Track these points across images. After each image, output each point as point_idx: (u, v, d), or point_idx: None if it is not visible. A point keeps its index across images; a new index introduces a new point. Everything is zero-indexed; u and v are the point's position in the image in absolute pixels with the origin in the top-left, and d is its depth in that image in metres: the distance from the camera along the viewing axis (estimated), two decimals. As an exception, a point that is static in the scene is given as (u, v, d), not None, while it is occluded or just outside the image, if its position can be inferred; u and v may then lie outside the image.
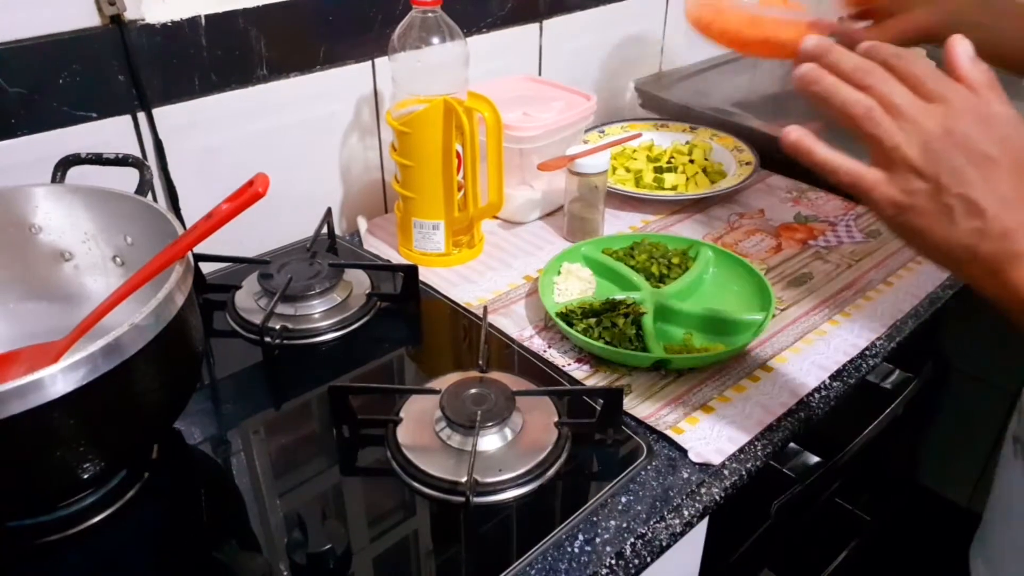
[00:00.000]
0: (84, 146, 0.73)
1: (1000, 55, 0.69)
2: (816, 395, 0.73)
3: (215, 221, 0.56)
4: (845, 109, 0.46)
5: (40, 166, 0.73)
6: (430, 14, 0.81)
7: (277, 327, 0.77)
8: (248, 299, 0.82)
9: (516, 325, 0.82)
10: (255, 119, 0.90)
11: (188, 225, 0.58)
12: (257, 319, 0.77)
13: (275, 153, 0.93)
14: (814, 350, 0.78)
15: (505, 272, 0.91)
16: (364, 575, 0.56)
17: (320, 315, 0.81)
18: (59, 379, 0.47)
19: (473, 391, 0.66)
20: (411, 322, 0.84)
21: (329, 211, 0.93)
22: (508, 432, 0.65)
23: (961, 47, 0.46)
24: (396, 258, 0.93)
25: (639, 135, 1.11)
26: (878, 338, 0.80)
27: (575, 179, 0.92)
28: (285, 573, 0.55)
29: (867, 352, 0.79)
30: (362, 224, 0.99)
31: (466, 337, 0.81)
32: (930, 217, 0.44)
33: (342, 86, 0.96)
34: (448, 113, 0.82)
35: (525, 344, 0.79)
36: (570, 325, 0.77)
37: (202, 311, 0.82)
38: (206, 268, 0.87)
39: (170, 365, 0.56)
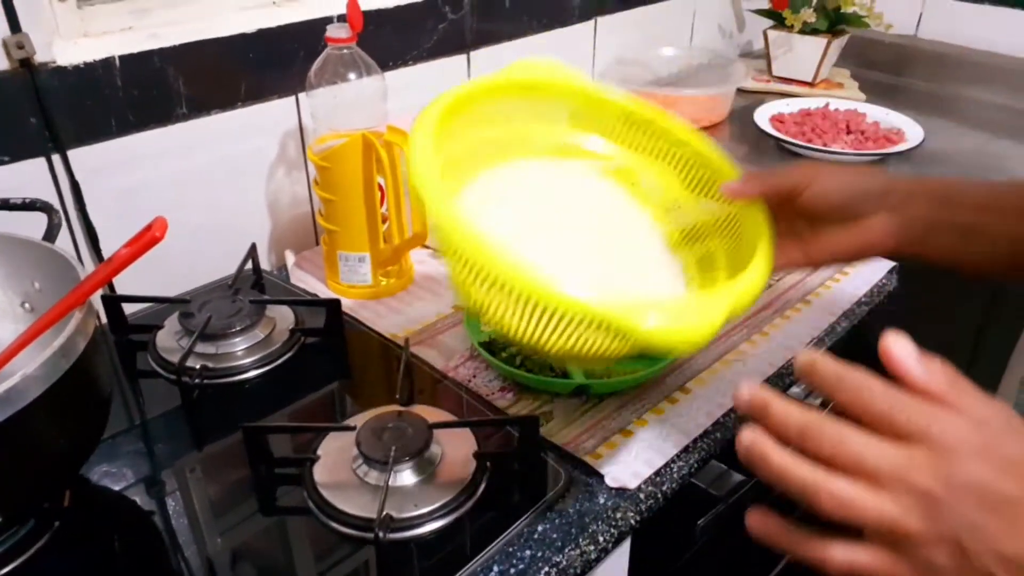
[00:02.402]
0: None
1: (978, 263, 0.61)
2: (732, 414, 0.75)
3: (113, 267, 0.56)
4: (808, 499, 0.37)
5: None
6: (345, 50, 0.82)
7: (197, 366, 0.76)
8: (170, 339, 0.81)
9: (442, 356, 0.82)
10: (176, 157, 0.89)
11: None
12: (173, 358, 0.76)
13: (199, 190, 0.93)
14: (731, 370, 0.80)
15: (434, 302, 0.91)
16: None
17: (242, 352, 0.80)
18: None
19: (390, 425, 0.66)
20: (336, 357, 0.84)
21: (253, 247, 0.92)
22: (426, 465, 0.65)
23: (899, 348, 0.38)
24: (324, 291, 0.93)
25: None
26: (795, 355, 0.82)
27: (500, 208, 0.93)
28: (192, 620, 0.54)
29: (784, 370, 0.81)
30: (289, 258, 0.99)
31: (388, 371, 0.82)
32: None
33: (266, 121, 0.96)
34: (367, 147, 0.83)
35: (450, 375, 0.79)
36: (492, 354, 0.77)
37: (124, 352, 0.83)
38: (129, 309, 0.86)
39: (73, 411, 0.55)
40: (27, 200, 0.68)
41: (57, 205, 0.77)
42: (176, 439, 0.72)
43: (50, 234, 0.68)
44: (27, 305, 0.67)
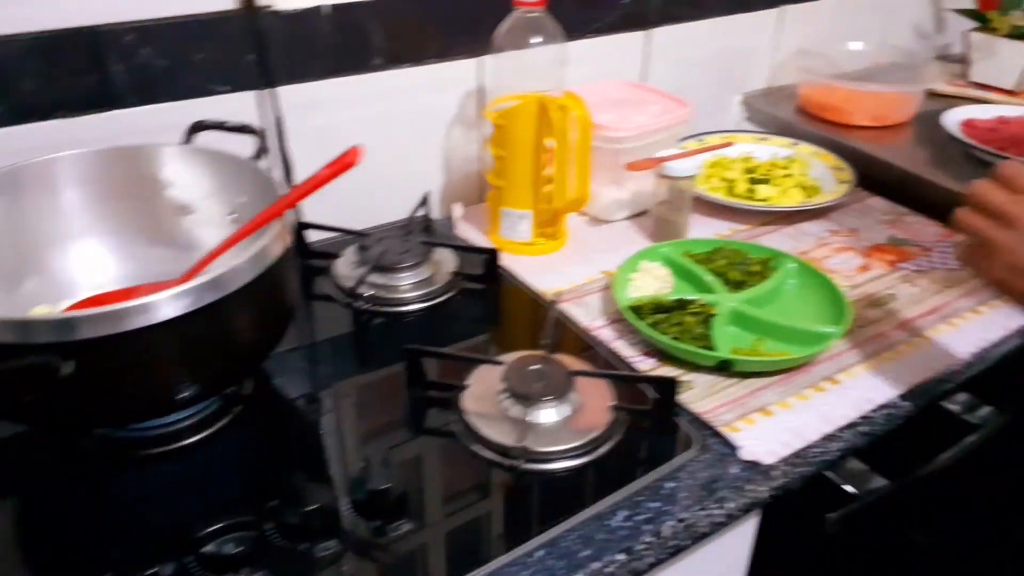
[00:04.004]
0: (214, 116, 0.82)
1: None
2: (881, 412, 0.73)
3: (312, 184, 0.62)
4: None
5: (174, 131, 0.82)
6: (533, 14, 0.86)
7: (368, 294, 0.83)
8: (346, 268, 0.89)
9: (588, 315, 0.84)
10: (367, 105, 0.97)
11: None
12: (351, 285, 0.83)
13: (384, 137, 1.00)
14: (886, 368, 0.77)
15: (585, 266, 0.94)
16: (415, 516, 0.60)
17: (408, 287, 0.86)
18: (168, 304, 0.54)
19: (535, 367, 0.70)
20: (489, 302, 0.88)
21: (427, 195, 0.99)
22: (565, 408, 0.68)
23: None
24: (485, 244, 0.98)
25: (729, 144, 1.12)
26: (958, 365, 0.79)
27: (663, 182, 0.94)
28: (347, 505, 0.60)
29: (943, 377, 0.77)
30: (456, 210, 1.05)
31: (537, 321, 0.85)
32: None
33: (450, 80, 1.02)
34: (541, 109, 0.87)
35: (593, 333, 0.82)
36: (640, 319, 0.79)
37: (305, 275, 0.91)
38: (313, 236, 0.94)
39: (264, 308, 0.63)
40: (240, 124, 0.76)
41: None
42: (344, 357, 0.79)
43: (256, 156, 0.76)
44: (233, 216, 0.76)
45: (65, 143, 0.78)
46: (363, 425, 0.70)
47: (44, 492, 0.64)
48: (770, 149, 1.17)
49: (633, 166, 0.93)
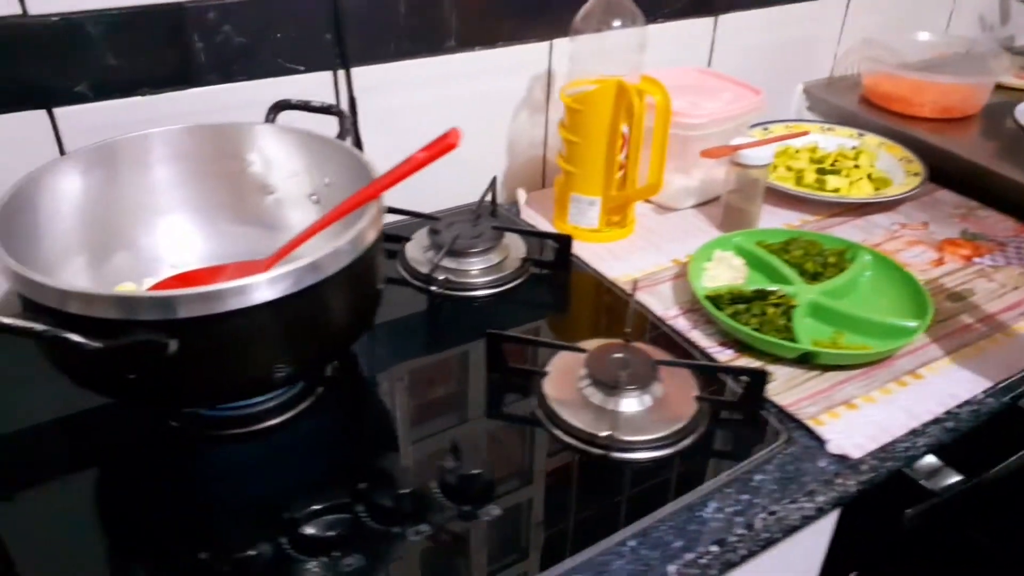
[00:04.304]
0: (291, 95, 0.81)
1: None
2: (966, 408, 0.71)
3: (410, 167, 0.62)
4: None
5: (250, 109, 0.82)
6: (623, -3, 0.85)
7: (441, 278, 0.83)
8: (417, 251, 0.88)
9: (661, 304, 0.84)
10: (438, 87, 0.96)
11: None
12: (424, 269, 0.83)
13: (452, 120, 0.97)
14: (969, 364, 0.76)
15: (654, 254, 0.93)
16: (503, 501, 0.60)
17: (478, 272, 0.86)
18: (267, 286, 0.54)
19: (618, 355, 0.69)
20: (559, 289, 0.88)
21: (495, 180, 0.98)
22: (648, 398, 0.67)
23: None
24: (550, 230, 0.98)
25: (805, 133, 1.10)
26: (1041, 363, 0.77)
27: (736, 170, 0.93)
28: (436, 489, 0.60)
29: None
30: (521, 196, 1.04)
31: (610, 309, 0.85)
32: None
33: (520, 63, 1.01)
34: (620, 94, 0.86)
35: (669, 323, 0.81)
36: (719, 310, 0.78)
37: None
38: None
39: (356, 291, 0.62)
40: (325, 104, 0.76)
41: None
42: (419, 339, 0.79)
43: (340, 137, 0.76)
44: (315, 197, 0.76)
45: (144, 121, 0.79)
46: (442, 408, 0.70)
47: (133, 469, 0.64)
48: (836, 139, 1.16)
49: (708, 153, 0.92)
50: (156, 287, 0.69)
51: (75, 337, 0.48)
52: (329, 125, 0.76)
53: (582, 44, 0.87)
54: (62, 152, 0.78)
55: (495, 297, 0.85)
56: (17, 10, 0.72)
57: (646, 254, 0.93)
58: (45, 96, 0.76)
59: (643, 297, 0.85)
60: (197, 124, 0.74)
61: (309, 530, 0.56)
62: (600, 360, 0.69)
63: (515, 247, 0.90)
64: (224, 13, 0.80)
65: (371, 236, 0.62)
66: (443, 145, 0.60)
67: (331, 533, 0.56)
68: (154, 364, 0.52)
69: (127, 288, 0.71)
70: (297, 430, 0.67)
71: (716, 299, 0.80)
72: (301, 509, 0.57)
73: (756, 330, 0.75)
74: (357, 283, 0.62)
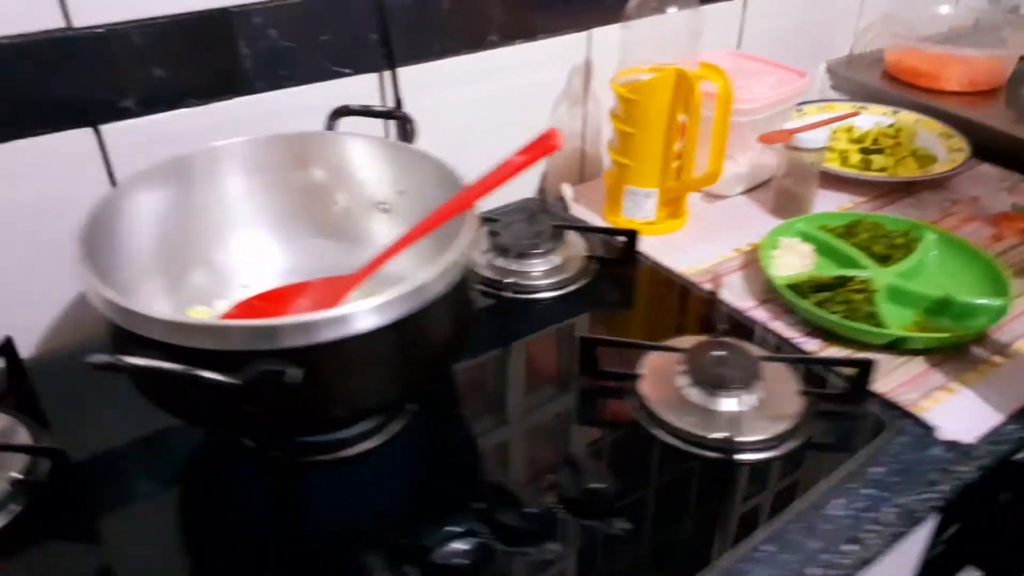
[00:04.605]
0: (337, 99, 0.78)
1: None
2: (1064, 385, 0.71)
3: (507, 172, 0.59)
4: None
5: (300, 116, 0.79)
6: (673, -18, 0.82)
7: (507, 281, 0.80)
8: (477, 253, 0.85)
9: (735, 296, 0.82)
10: (480, 83, 0.93)
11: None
12: (486, 272, 0.80)
13: (493, 116, 0.96)
14: (1058, 340, 0.76)
15: (712, 244, 0.91)
16: (632, 515, 0.58)
17: (541, 273, 0.83)
18: (391, 307, 0.50)
19: (718, 353, 0.68)
20: (628, 286, 0.86)
21: (544, 175, 0.95)
22: (754, 396, 0.66)
23: None
24: (602, 224, 0.95)
25: (856, 114, 1.09)
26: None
27: (790, 154, 0.92)
28: (554, 504, 0.58)
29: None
30: (567, 191, 1.01)
31: (686, 305, 0.83)
32: None
33: (559, 55, 0.99)
34: (680, 82, 0.83)
35: (748, 315, 0.79)
36: (802, 299, 0.77)
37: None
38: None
39: (462, 307, 0.59)
40: (388, 109, 0.73)
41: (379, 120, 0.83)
42: (493, 346, 0.76)
43: (404, 142, 0.73)
44: (385, 206, 0.73)
45: (190, 133, 0.75)
46: (537, 418, 0.68)
47: (237, 498, 0.61)
48: (871, 118, 1.15)
49: (766, 138, 0.90)
50: (239, 308, 0.65)
51: (210, 375, 0.45)
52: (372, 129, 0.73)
53: (635, 31, 0.85)
54: (110, 172, 0.74)
55: (561, 299, 0.82)
56: (61, 23, 0.67)
57: (705, 245, 0.91)
58: (91, 113, 0.71)
59: (717, 290, 0.83)
60: (268, 135, 0.71)
61: (438, 558, 0.53)
62: (700, 359, 0.67)
63: (574, 245, 0.88)
64: (270, 17, 0.76)
65: (471, 251, 0.59)
66: (544, 147, 0.58)
67: (462, 561, 0.53)
68: (275, 395, 0.49)
69: (199, 313, 0.67)
70: (395, 451, 0.64)
71: (795, 288, 0.78)
72: (423, 535, 0.54)
73: (845, 318, 0.74)
74: (462, 298, 0.59)
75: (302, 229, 0.73)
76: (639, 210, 0.92)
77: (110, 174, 0.74)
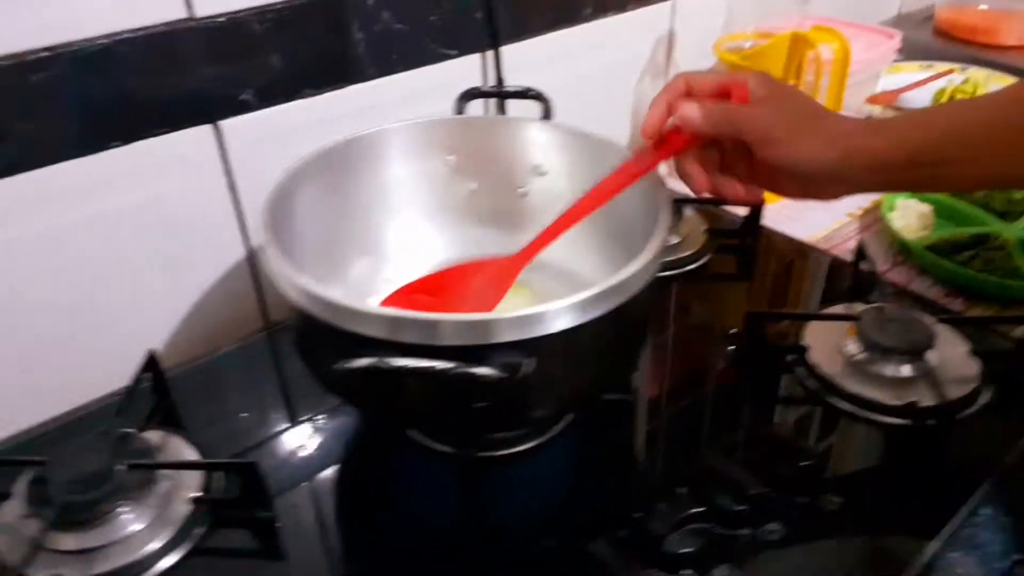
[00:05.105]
0: (441, 82, 0.75)
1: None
2: None
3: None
4: None
5: (413, 102, 0.76)
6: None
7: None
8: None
9: (866, 261, 0.81)
10: (575, 59, 0.90)
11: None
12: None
13: (586, 90, 0.93)
14: None
15: (823, 210, 0.90)
16: (842, 489, 0.56)
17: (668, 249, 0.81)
18: (611, 295, 0.48)
19: (891, 319, 0.66)
20: (755, 258, 0.84)
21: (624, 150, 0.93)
22: (930, 360, 0.64)
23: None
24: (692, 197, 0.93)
25: (951, 71, 1.08)
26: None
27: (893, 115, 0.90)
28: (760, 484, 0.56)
29: None
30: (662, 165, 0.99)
31: (823, 272, 0.81)
32: None
33: (644, 25, 0.96)
34: (796, 47, 0.81)
35: (887, 278, 0.78)
36: (945, 259, 0.75)
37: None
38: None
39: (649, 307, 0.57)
40: (522, 88, 0.70)
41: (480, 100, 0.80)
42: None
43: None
44: (523, 191, 0.70)
45: (304, 125, 0.72)
46: (711, 397, 0.66)
47: (415, 495, 0.58)
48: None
49: (875, 99, 0.89)
50: (400, 293, 0.61)
51: (482, 370, 0.42)
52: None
53: (743, -2, 0.83)
54: (228, 171, 0.70)
55: (689, 275, 0.80)
56: (183, 13, 0.63)
57: (815, 211, 0.90)
58: (211, 108, 0.67)
59: (845, 256, 0.81)
60: (428, 119, 0.69)
61: (668, 547, 0.51)
62: (876, 326, 0.65)
63: (691, 220, 0.86)
64: (383, -1, 0.73)
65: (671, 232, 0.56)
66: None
67: (688, 550, 0.51)
68: (504, 390, 0.46)
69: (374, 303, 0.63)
70: (571, 442, 0.62)
71: (934, 249, 0.77)
72: (642, 525, 0.52)
73: (1002, 276, 0.72)
74: (649, 297, 0.56)
75: (456, 216, 0.70)
76: (746, 180, 0.90)
77: (228, 174, 0.70)
